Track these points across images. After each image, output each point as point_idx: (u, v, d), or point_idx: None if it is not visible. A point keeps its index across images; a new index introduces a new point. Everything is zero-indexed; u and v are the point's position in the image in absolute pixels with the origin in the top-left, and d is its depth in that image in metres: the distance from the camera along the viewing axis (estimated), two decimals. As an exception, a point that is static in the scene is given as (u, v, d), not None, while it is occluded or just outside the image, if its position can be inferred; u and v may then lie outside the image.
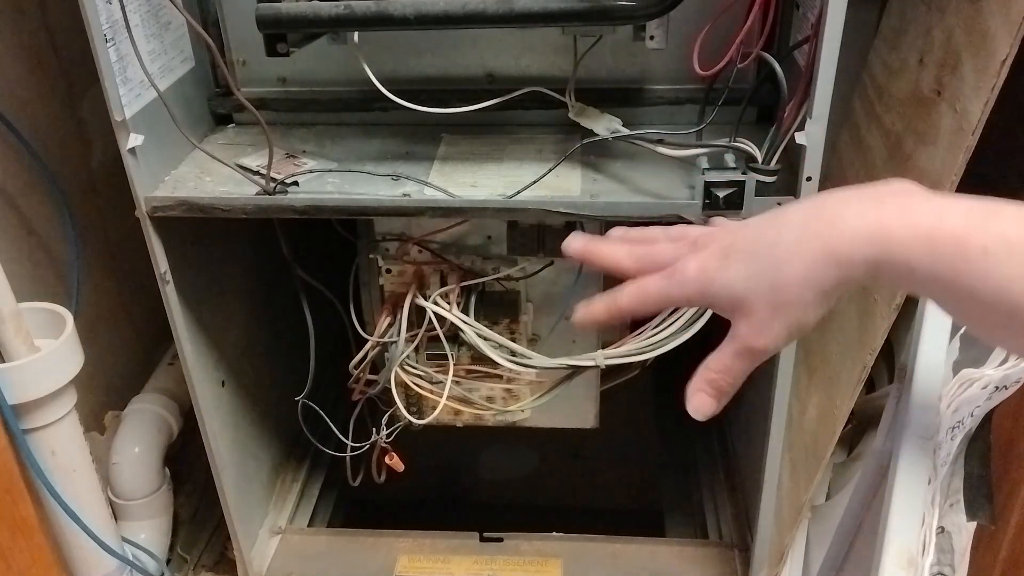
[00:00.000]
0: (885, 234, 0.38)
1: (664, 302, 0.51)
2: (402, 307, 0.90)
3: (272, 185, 0.77)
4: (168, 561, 1.04)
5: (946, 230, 0.37)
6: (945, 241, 0.37)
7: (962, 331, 0.72)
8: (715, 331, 0.85)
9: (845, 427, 0.90)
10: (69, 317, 0.81)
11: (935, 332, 0.73)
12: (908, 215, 0.38)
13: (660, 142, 0.76)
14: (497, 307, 0.94)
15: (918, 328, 0.73)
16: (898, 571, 0.66)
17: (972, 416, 0.73)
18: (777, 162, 0.71)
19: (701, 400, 0.49)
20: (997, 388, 0.70)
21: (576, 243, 0.56)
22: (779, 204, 0.73)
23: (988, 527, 0.71)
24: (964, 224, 0.37)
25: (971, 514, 0.71)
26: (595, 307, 0.53)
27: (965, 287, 0.36)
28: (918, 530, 0.70)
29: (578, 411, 1.02)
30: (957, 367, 0.77)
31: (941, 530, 0.71)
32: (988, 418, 0.73)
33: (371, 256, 0.93)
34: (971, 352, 0.72)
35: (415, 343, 0.91)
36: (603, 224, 0.90)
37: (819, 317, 0.43)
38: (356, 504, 1.32)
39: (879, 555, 0.69)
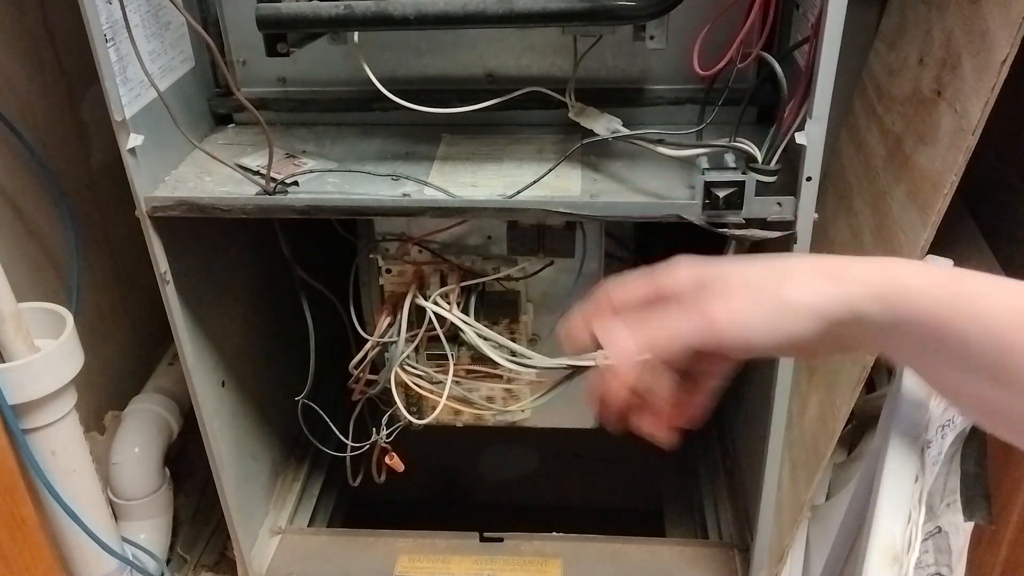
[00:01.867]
0: (840, 283, 0.43)
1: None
2: (402, 307, 0.90)
3: (272, 185, 0.77)
4: (168, 561, 1.04)
5: (885, 279, 0.42)
6: (884, 287, 0.41)
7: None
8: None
9: (845, 427, 0.89)
10: (69, 317, 0.81)
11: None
12: (852, 269, 0.43)
13: (660, 142, 0.76)
14: (497, 307, 0.94)
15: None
16: (883, 567, 0.66)
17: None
18: (777, 162, 0.71)
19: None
20: (990, 387, 0.70)
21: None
22: (779, 204, 0.73)
23: (987, 527, 0.71)
24: (894, 273, 0.42)
25: (968, 514, 0.71)
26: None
27: (905, 323, 0.41)
28: (903, 527, 0.70)
29: (578, 411, 1.02)
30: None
31: (938, 530, 0.71)
32: (982, 418, 0.73)
33: (371, 256, 0.93)
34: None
35: (415, 343, 0.91)
36: (603, 224, 0.90)
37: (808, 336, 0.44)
38: (356, 504, 1.32)
39: (865, 552, 0.69)
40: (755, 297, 0.44)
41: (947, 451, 0.72)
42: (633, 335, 0.47)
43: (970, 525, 0.71)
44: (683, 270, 0.47)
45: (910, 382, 0.72)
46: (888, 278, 0.42)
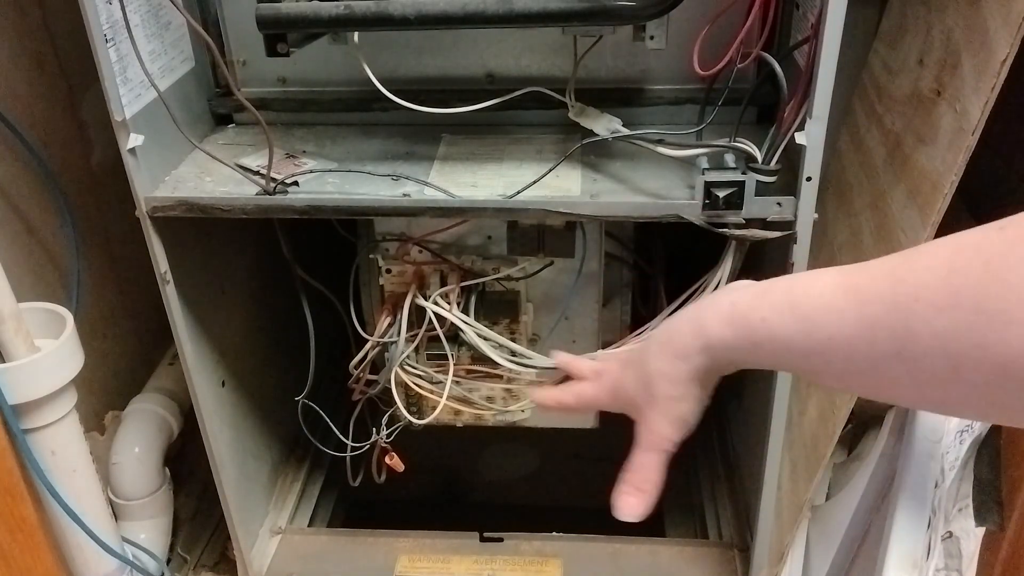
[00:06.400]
0: (703, 327, 0.47)
1: (589, 404, 0.60)
2: (402, 307, 0.90)
3: (272, 185, 0.77)
4: (168, 561, 1.04)
5: (737, 311, 0.45)
6: (736, 320, 0.45)
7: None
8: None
9: (845, 427, 0.90)
10: (69, 317, 0.81)
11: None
12: (715, 306, 0.47)
13: (660, 142, 0.76)
14: (497, 307, 0.94)
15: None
16: (901, 574, 0.66)
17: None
18: (777, 162, 0.71)
19: (626, 502, 0.53)
20: (1009, 392, 0.69)
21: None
22: (779, 204, 0.73)
23: (994, 529, 0.71)
24: (748, 303, 0.45)
25: (980, 519, 0.70)
26: (548, 396, 0.63)
27: (765, 351, 0.44)
28: (923, 534, 0.70)
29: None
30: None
31: (949, 535, 0.71)
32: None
33: (371, 256, 0.93)
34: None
35: (415, 343, 0.91)
36: (603, 224, 0.90)
37: (695, 405, 0.51)
38: (356, 504, 1.32)
39: (883, 558, 0.69)
40: (656, 409, 0.52)
41: (963, 456, 0.72)
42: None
43: (981, 530, 0.71)
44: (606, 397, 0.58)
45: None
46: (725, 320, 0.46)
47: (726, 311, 0.46)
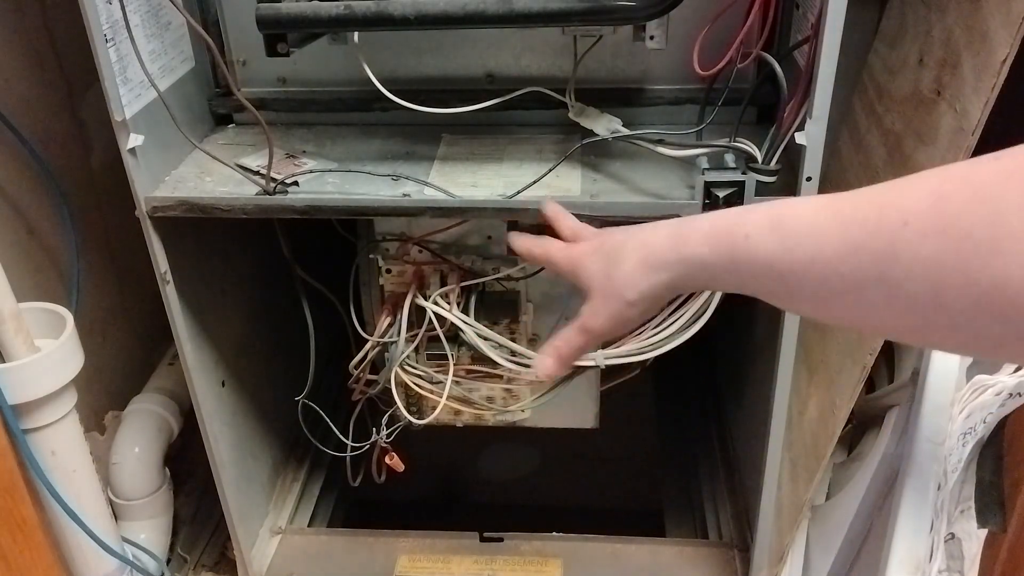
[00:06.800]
0: (682, 240, 0.48)
1: (550, 261, 0.62)
2: (402, 307, 0.90)
3: (272, 185, 0.77)
4: (168, 561, 1.04)
5: (719, 226, 0.46)
6: (719, 235, 0.46)
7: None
8: (714, 332, 0.85)
9: (845, 427, 0.89)
10: (69, 317, 0.81)
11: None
12: (696, 222, 0.48)
13: (660, 142, 0.76)
14: (497, 307, 0.94)
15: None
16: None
17: (984, 423, 0.73)
18: (777, 162, 0.71)
19: (542, 361, 0.58)
20: (1011, 395, 0.69)
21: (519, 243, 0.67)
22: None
23: (996, 531, 0.71)
24: (731, 220, 0.46)
25: (982, 521, 0.71)
26: (522, 242, 0.65)
27: (744, 269, 0.44)
28: (926, 536, 0.70)
29: (578, 411, 1.02)
30: (971, 372, 0.77)
31: (951, 536, 0.71)
32: (1001, 425, 0.73)
33: (371, 256, 0.93)
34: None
35: (415, 343, 0.91)
36: (601, 223, 0.90)
37: (642, 314, 0.53)
38: (356, 504, 1.32)
39: (885, 559, 0.69)
40: (607, 301, 0.53)
41: (966, 459, 0.72)
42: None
43: (983, 532, 0.71)
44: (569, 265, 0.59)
45: (932, 389, 0.72)
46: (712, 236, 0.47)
47: (707, 227, 0.47)
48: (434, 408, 0.93)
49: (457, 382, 0.95)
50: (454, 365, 0.92)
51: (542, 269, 0.93)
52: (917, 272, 0.35)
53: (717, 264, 0.46)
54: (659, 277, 0.50)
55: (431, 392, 0.93)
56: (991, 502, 0.70)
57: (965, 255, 0.33)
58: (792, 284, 0.42)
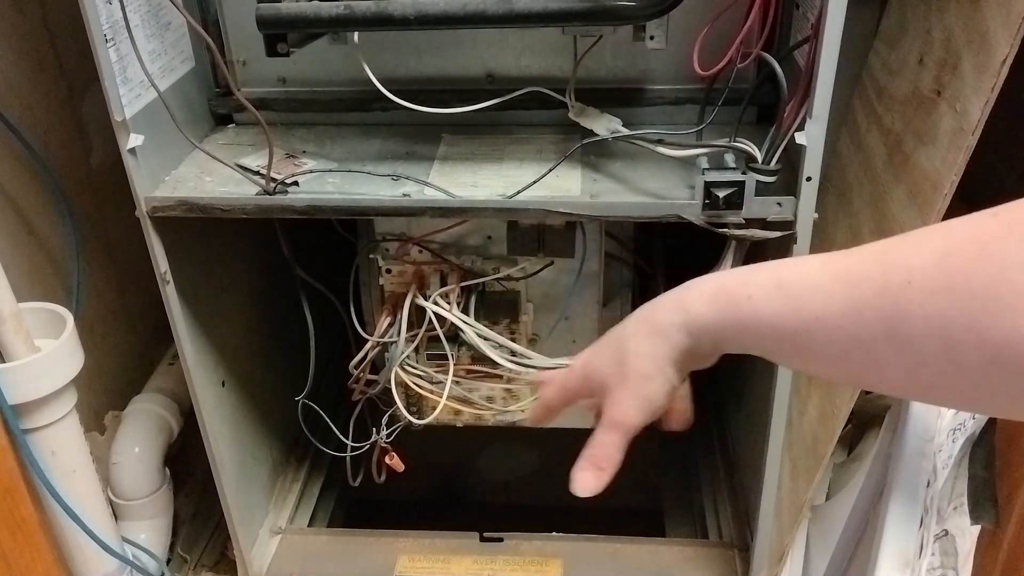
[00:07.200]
0: (685, 305, 0.47)
1: (568, 391, 0.59)
2: (402, 307, 0.90)
3: (272, 185, 0.77)
4: (168, 561, 1.04)
5: (722, 290, 0.46)
6: (721, 297, 0.45)
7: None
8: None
9: (845, 427, 0.90)
10: (69, 317, 0.81)
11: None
12: (700, 286, 0.48)
13: (660, 142, 0.76)
14: (497, 307, 0.94)
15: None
16: (893, 573, 0.66)
17: (975, 419, 0.73)
18: (777, 162, 0.71)
19: (582, 478, 0.54)
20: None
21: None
22: (779, 204, 0.73)
23: (989, 527, 0.71)
24: (734, 282, 0.45)
25: (975, 517, 0.71)
26: (534, 408, 0.62)
27: (750, 329, 0.44)
28: (914, 532, 0.70)
29: (578, 411, 1.02)
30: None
31: (945, 533, 0.71)
32: (992, 421, 0.73)
33: (371, 256, 0.93)
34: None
35: (415, 343, 0.91)
36: (603, 224, 0.90)
37: (666, 388, 0.50)
38: (356, 504, 1.32)
39: (875, 556, 0.69)
40: (625, 385, 0.51)
41: (956, 455, 0.72)
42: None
43: (976, 528, 0.71)
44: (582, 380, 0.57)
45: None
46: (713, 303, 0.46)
47: (710, 291, 0.47)
48: (434, 408, 0.93)
49: (457, 382, 0.95)
50: (454, 365, 0.92)
51: (542, 269, 0.93)
52: (926, 330, 0.35)
53: (722, 327, 0.45)
54: (668, 343, 0.49)
55: (431, 392, 0.93)
56: (983, 498, 0.70)
57: (973, 313, 0.33)
58: (801, 343, 0.42)
